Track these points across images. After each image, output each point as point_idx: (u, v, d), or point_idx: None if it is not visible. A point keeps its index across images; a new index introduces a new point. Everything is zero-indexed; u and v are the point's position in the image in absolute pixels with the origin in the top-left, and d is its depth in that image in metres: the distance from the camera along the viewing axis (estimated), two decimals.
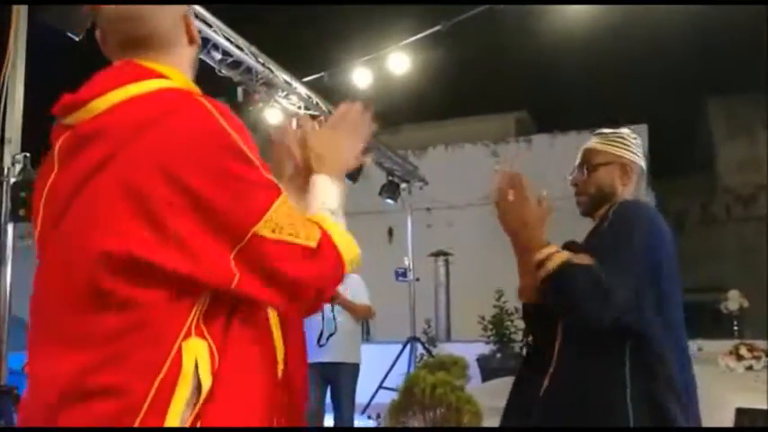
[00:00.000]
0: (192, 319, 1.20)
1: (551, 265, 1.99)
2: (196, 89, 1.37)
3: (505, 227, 2.11)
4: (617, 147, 2.25)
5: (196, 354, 1.18)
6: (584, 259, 1.99)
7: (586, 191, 2.24)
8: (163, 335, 1.18)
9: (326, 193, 1.42)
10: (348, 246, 1.36)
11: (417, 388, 3.46)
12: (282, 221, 1.23)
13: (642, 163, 2.25)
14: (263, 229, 1.21)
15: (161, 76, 1.31)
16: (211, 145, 1.20)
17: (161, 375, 1.15)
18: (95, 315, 1.17)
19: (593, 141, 2.29)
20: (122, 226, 1.16)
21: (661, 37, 13.55)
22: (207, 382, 1.18)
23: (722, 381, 4.41)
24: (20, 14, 3.13)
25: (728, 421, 3.54)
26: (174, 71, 1.35)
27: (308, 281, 1.27)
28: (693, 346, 7.69)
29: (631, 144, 2.26)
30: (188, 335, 1.19)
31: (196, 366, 1.18)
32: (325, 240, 1.28)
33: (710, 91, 18.13)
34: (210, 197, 1.18)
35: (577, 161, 2.29)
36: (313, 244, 1.26)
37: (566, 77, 16.91)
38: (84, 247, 1.18)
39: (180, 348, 1.17)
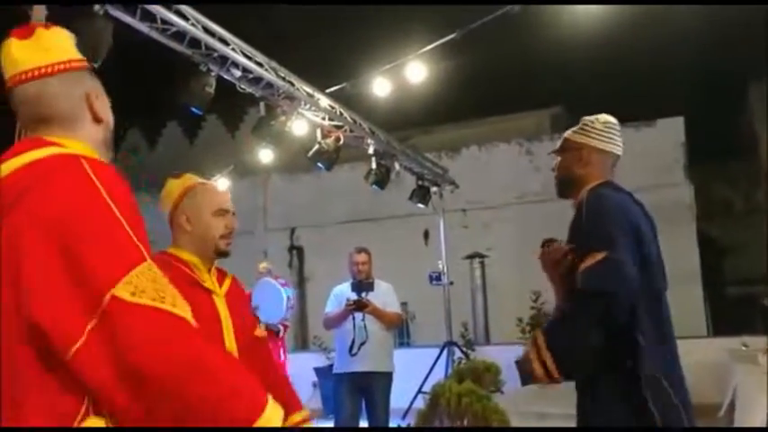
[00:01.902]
0: (89, 395, 1.17)
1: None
2: (89, 154, 1.44)
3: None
4: (577, 134, 2.51)
5: None
6: (595, 256, 2.16)
7: (557, 175, 2.57)
8: (63, 415, 1.15)
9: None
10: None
11: (443, 398, 3.45)
12: (145, 285, 1.18)
13: (607, 147, 2.47)
14: (121, 290, 1.15)
15: (57, 145, 1.41)
16: (83, 205, 1.24)
17: None
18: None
19: (569, 131, 2.57)
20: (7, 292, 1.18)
21: (696, 23, 13.25)
22: None
23: (761, 380, 4.28)
24: None
25: (761, 424, 3.43)
26: (73, 141, 1.45)
27: (161, 358, 1.13)
28: (737, 342, 7.49)
29: (592, 131, 2.49)
30: (86, 414, 1.16)
31: None
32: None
33: (750, 76, 17.65)
34: (79, 256, 1.18)
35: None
36: (179, 312, 1.18)
37: (600, 71, 16.64)
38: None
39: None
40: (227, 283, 2.37)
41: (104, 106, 1.57)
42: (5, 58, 1.52)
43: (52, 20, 3.33)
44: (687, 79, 16.71)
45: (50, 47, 1.52)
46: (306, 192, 14.70)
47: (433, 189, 9.03)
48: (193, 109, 4.72)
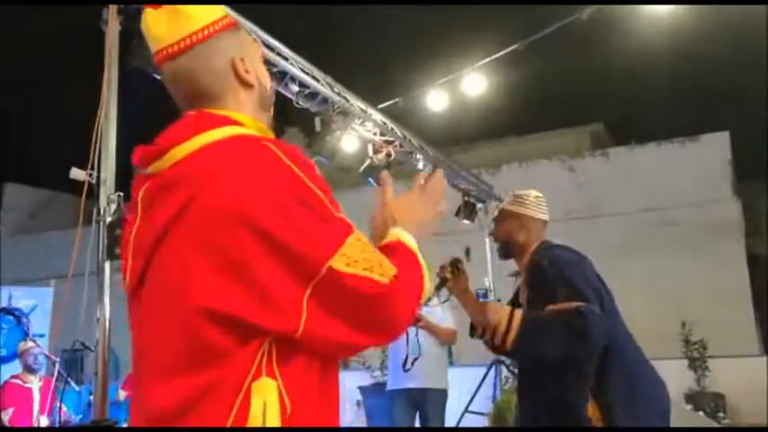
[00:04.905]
0: (261, 357, 1.21)
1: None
2: (267, 133, 1.41)
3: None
4: (514, 205, 2.91)
5: (265, 396, 1.19)
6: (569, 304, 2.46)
7: (498, 240, 2.98)
8: (234, 376, 1.20)
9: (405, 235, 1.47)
10: (420, 281, 1.38)
11: (509, 413, 3.39)
12: (357, 256, 1.25)
13: (539, 215, 2.89)
14: (337, 262, 1.22)
15: (235, 122, 1.35)
16: (283, 191, 1.23)
17: (231, 419, 1.17)
18: (189, 368, 1.21)
19: (504, 202, 2.99)
20: (213, 283, 1.19)
21: (739, 37, 13.09)
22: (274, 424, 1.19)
23: None
24: (111, 62, 3.27)
25: None
26: (246, 117, 1.39)
27: (380, 316, 1.27)
28: None
29: (528, 202, 2.90)
30: (258, 375, 1.20)
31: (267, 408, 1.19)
32: (401, 277, 1.29)
33: None
34: (286, 240, 1.20)
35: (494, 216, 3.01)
36: (385, 281, 1.26)
37: (642, 88, 16.50)
38: (178, 304, 1.22)
39: (249, 389, 1.19)
40: None
41: (251, 66, 1.44)
42: (146, 34, 1.41)
43: (124, 35, 3.40)
44: (731, 94, 16.47)
45: (184, 14, 1.38)
46: (348, 209, 14.66)
47: (479, 205, 8.98)
48: None
